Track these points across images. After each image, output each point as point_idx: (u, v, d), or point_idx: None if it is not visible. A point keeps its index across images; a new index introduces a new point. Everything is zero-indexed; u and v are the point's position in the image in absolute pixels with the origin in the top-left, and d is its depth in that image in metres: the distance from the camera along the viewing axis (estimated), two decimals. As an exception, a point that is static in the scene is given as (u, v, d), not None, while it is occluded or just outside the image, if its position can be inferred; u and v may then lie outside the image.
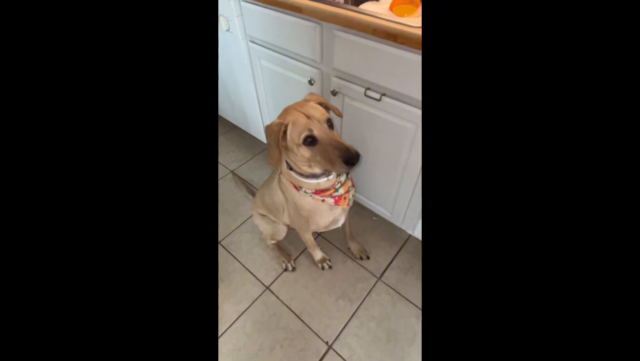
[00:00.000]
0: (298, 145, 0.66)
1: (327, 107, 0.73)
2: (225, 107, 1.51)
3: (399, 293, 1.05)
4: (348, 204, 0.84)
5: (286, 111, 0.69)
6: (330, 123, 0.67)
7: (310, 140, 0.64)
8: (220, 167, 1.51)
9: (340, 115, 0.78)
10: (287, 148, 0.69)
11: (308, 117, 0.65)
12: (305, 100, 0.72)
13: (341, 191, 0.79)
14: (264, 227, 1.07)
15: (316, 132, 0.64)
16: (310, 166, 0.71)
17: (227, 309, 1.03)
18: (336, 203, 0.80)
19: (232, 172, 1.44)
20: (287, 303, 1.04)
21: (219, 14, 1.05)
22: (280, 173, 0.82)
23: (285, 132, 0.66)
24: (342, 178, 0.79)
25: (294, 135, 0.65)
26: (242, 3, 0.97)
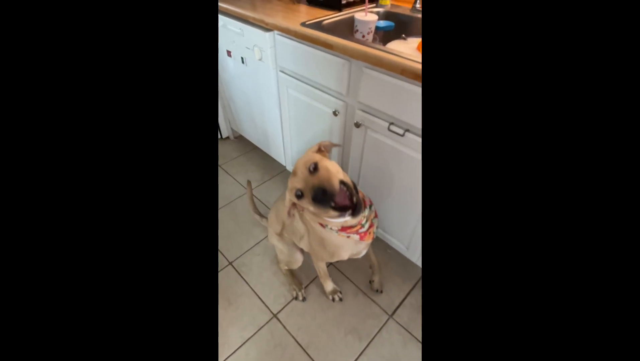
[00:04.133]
0: (299, 204, 0.71)
1: (327, 147, 0.78)
2: (249, 128, 1.56)
3: (411, 334, 1.00)
4: (372, 238, 0.83)
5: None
6: (312, 168, 0.68)
7: (300, 194, 0.68)
8: (238, 186, 1.54)
9: (337, 145, 0.83)
10: (307, 213, 0.76)
11: (295, 173, 0.70)
12: (312, 149, 0.78)
13: (366, 226, 0.78)
14: (280, 249, 1.06)
15: (298, 185, 0.68)
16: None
17: (232, 334, 1.00)
18: (361, 238, 0.79)
19: (248, 182, 1.37)
20: (293, 334, 1.01)
21: (254, 44, 1.11)
22: (303, 210, 0.81)
23: (294, 203, 0.73)
24: (366, 212, 0.79)
25: (288, 200, 0.72)
26: (277, 36, 1.03)
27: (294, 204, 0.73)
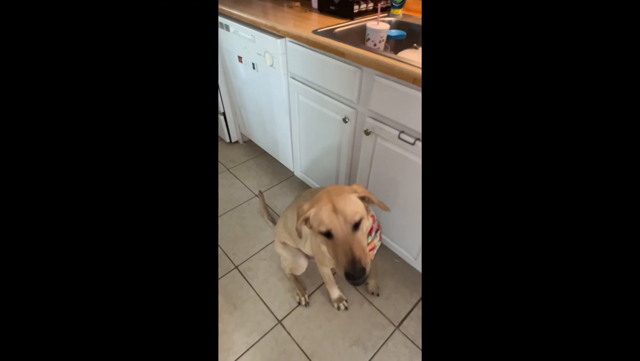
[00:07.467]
0: (317, 233, 0.66)
1: (369, 200, 0.70)
2: (258, 133, 1.58)
3: (418, 347, 0.98)
4: (370, 258, 0.82)
5: (320, 196, 0.68)
6: (356, 225, 0.64)
7: (327, 234, 0.64)
8: (246, 191, 1.54)
9: (386, 209, 0.73)
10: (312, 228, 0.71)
11: (335, 210, 0.63)
12: (351, 189, 0.69)
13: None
14: (284, 257, 1.06)
15: (334, 230, 0.62)
16: None
17: (237, 340, 1.00)
18: None
19: (260, 192, 1.45)
20: (298, 342, 0.99)
21: (265, 50, 1.12)
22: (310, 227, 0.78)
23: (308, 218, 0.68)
24: (369, 239, 0.78)
25: (314, 223, 0.66)
26: (288, 43, 1.04)
27: (305, 220, 0.69)
